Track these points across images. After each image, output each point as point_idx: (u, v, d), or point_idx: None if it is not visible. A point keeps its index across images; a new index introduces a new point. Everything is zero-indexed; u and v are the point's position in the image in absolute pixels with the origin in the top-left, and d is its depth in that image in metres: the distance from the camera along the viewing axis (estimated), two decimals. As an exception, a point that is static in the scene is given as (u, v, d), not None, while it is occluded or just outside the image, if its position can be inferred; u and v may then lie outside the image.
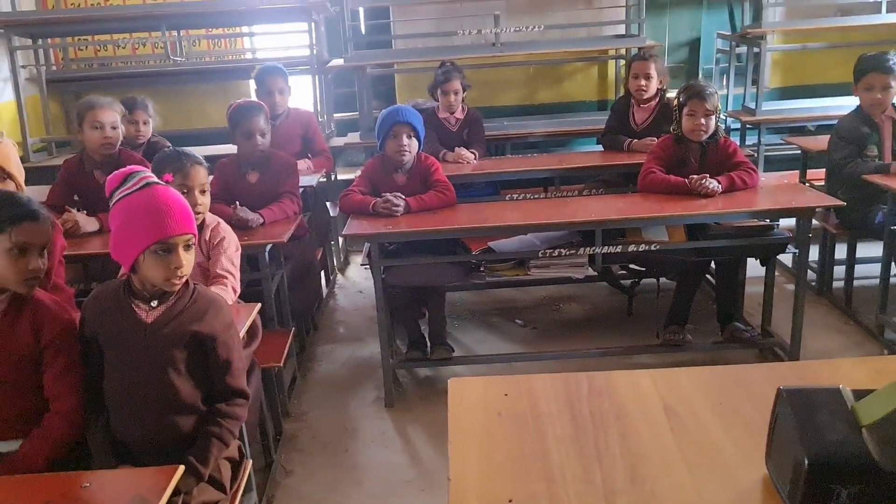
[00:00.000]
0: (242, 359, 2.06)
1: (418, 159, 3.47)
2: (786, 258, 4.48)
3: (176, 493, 1.85)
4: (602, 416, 1.34)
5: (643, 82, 4.19)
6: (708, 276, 3.79)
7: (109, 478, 1.62)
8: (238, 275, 2.58)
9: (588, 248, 3.13)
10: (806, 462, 1.02)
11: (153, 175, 1.92)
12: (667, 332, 3.44)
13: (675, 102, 3.48)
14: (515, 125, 5.04)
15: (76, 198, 3.52)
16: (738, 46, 5.17)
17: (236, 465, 2.10)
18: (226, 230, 2.64)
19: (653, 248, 3.13)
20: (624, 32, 5.18)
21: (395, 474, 2.80)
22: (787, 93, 5.59)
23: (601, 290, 4.27)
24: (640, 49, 4.76)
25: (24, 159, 4.59)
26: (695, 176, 3.27)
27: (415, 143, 3.41)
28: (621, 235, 3.23)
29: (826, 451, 1.03)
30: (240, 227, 3.19)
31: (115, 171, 1.94)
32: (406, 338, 3.56)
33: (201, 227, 2.59)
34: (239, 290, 2.56)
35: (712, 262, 3.54)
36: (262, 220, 3.24)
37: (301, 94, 5.28)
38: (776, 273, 3.57)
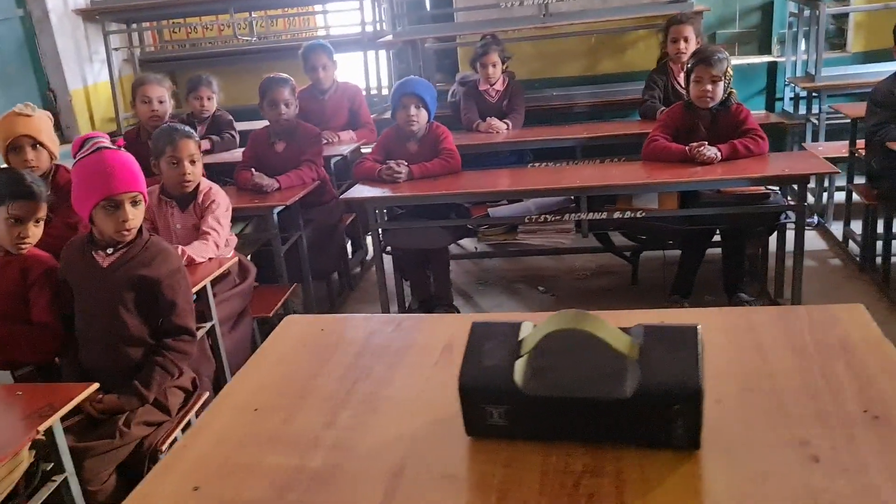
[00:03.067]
0: (189, 301, 2.35)
1: (430, 128, 3.64)
2: (837, 231, 4.31)
3: (122, 411, 2.21)
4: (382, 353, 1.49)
5: (682, 45, 4.13)
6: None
7: (38, 390, 1.95)
8: (223, 232, 2.87)
9: (573, 215, 3.19)
10: (458, 384, 1.15)
11: (106, 140, 2.23)
12: (668, 302, 3.45)
13: (686, 68, 3.44)
14: (562, 95, 5.06)
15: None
16: (804, 10, 4.91)
17: (189, 395, 2.41)
18: (216, 194, 2.94)
19: (638, 215, 3.15)
20: (680, -1, 5.04)
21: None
22: (871, 56, 5.23)
23: (644, 261, 4.23)
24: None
25: (116, 133, 5.17)
26: (695, 143, 3.24)
27: (423, 113, 3.57)
28: (612, 203, 3.27)
29: (475, 375, 1.15)
30: (256, 191, 3.51)
31: (77, 137, 2.27)
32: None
33: (195, 192, 2.91)
34: (222, 245, 2.85)
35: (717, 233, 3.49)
36: (276, 186, 3.54)
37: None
38: (826, 247, 3.44)
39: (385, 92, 5.86)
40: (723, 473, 1.05)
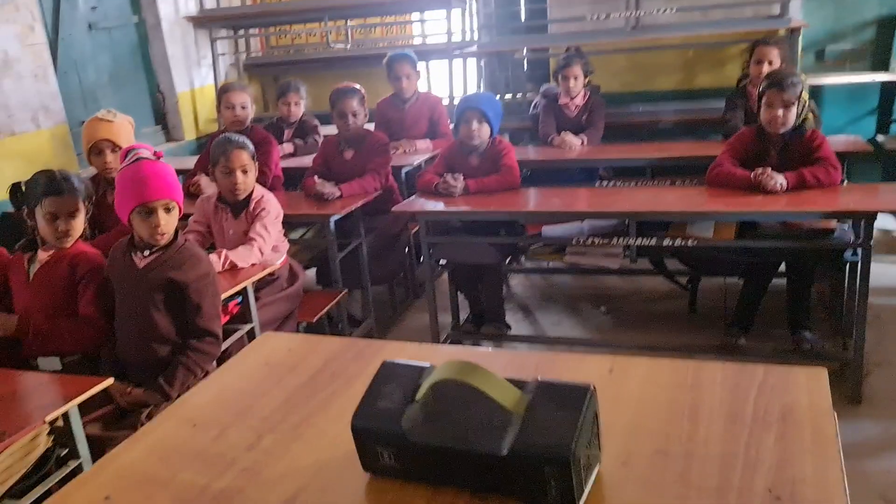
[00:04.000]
0: (216, 306, 2.47)
1: (492, 143, 3.64)
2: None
3: (147, 405, 2.36)
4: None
5: (765, 68, 3.93)
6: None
7: (63, 380, 2.11)
8: (269, 239, 2.98)
9: (622, 239, 3.11)
10: (351, 424, 1.17)
11: (147, 152, 2.38)
12: (725, 335, 3.30)
13: (758, 91, 3.28)
14: (648, 111, 4.92)
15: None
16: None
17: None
18: (267, 202, 3.06)
19: (689, 243, 3.03)
20: (779, 12, 4.78)
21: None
22: None
23: (709, 287, 4.06)
24: (785, 30, 4.40)
25: (216, 133, 5.47)
26: (759, 169, 3.08)
27: (486, 127, 3.57)
28: (665, 228, 3.16)
29: (368, 416, 1.17)
30: (318, 198, 3.63)
31: (124, 148, 2.44)
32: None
33: (247, 200, 3.06)
34: (266, 251, 2.97)
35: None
36: (338, 194, 3.64)
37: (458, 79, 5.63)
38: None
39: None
40: (587, 542, 1.02)
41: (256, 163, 3.07)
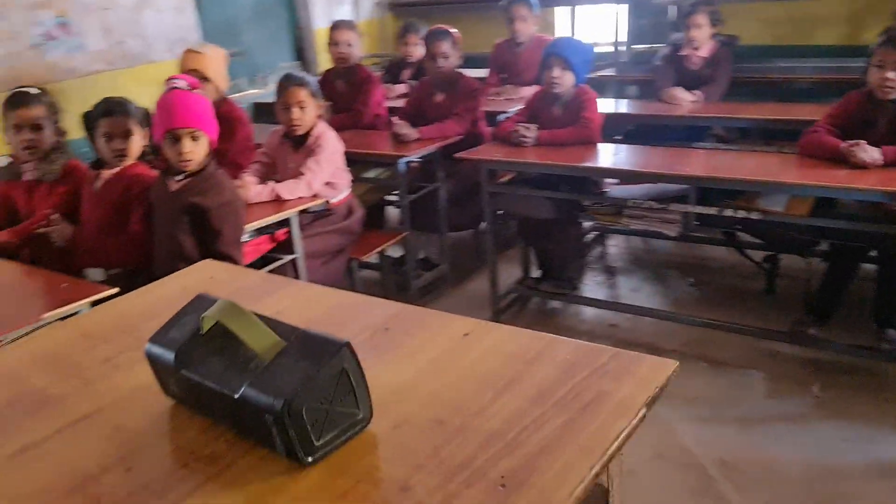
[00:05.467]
0: (236, 232, 2.60)
1: (576, 93, 3.46)
2: None
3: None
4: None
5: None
6: None
7: (79, 286, 2.32)
8: (320, 174, 3.07)
9: (679, 205, 2.87)
10: (145, 349, 1.22)
11: (182, 82, 2.54)
12: (796, 321, 2.98)
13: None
14: (783, 68, 4.41)
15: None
16: None
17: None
18: (325, 139, 3.14)
19: (753, 215, 2.74)
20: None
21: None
22: None
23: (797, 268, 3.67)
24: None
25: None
26: (852, 141, 2.70)
27: (569, 75, 3.40)
28: (734, 198, 2.87)
29: (156, 343, 1.19)
30: (395, 139, 3.67)
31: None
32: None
33: (307, 135, 3.15)
34: (316, 185, 3.05)
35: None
36: (415, 136, 3.65)
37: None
38: None
39: (622, 48, 5.60)
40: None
41: (318, 99, 3.16)
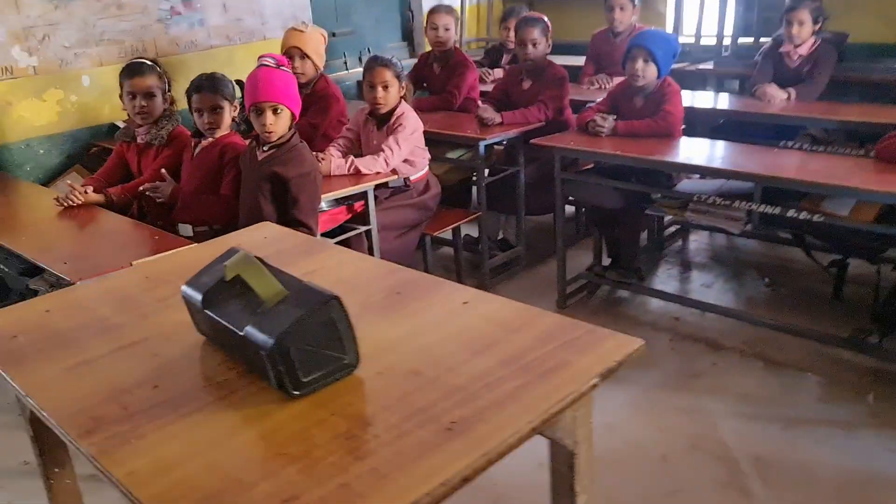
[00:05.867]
0: (313, 201, 2.82)
1: (660, 85, 3.48)
2: None
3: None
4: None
5: None
6: None
7: (166, 239, 2.61)
8: (398, 152, 3.25)
9: (744, 203, 2.88)
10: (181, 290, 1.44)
11: (272, 60, 2.77)
12: (856, 329, 2.93)
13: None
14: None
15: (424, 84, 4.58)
16: None
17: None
18: (406, 119, 3.31)
19: (815, 218, 2.72)
20: None
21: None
22: None
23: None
24: None
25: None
26: (930, 147, 2.64)
27: (651, 68, 3.41)
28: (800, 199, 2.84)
29: (190, 286, 1.40)
30: (480, 122, 3.81)
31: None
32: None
33: (389, 114, 3.35)
34: (393, 162, 3.24)
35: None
36: (498, 120, 3.78)
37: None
38: None
39: (727, 42, 5.47)
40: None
41: (401, 81, 3.34)
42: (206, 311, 1.36)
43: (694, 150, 3.17)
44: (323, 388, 1.26)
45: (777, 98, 3.87)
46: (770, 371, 2.99)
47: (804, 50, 4.01)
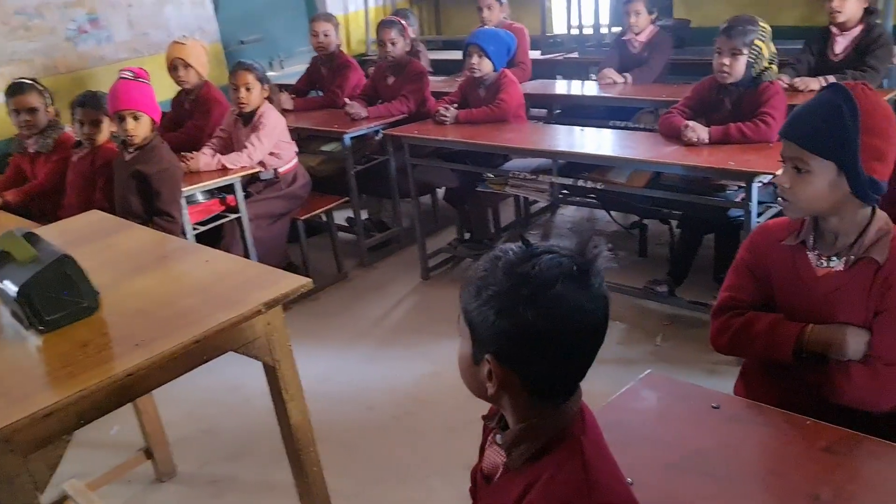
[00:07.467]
0: (173, 192, 3.27)
1: (498, 76, 3.93)
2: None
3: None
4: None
5: (836, 2, 3.67)
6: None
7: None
8: (260, 147, 3.70)
9: (546, 176, 3.34)
10: None
11: (129, 73, 3.21)
12: (651, 280, 3.40)
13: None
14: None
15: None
16: None
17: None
18: (267, 117, 3.77)
19: (599, 186, 3.18)
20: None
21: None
22: None
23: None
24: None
25: (364, 55, 6.25)
26: (689, 122, 3.10)
27: (486, 62, 3.86)
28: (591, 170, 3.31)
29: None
30: (348, 117, 4.26)
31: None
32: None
33: (253, 113, 3.80)
34: (257, 157, 3.69)
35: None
36: (364, 115, 4.23)
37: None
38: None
39: (604, 31, 5.92)
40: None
41: (264, 83, 3.79)
42: (-4, 275, 1.81)
43: (515, 134, 3.62)
44: (67, 325, 1.72)
45: (610, 80, 4.34)
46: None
47: (643, 37, 4.48)
